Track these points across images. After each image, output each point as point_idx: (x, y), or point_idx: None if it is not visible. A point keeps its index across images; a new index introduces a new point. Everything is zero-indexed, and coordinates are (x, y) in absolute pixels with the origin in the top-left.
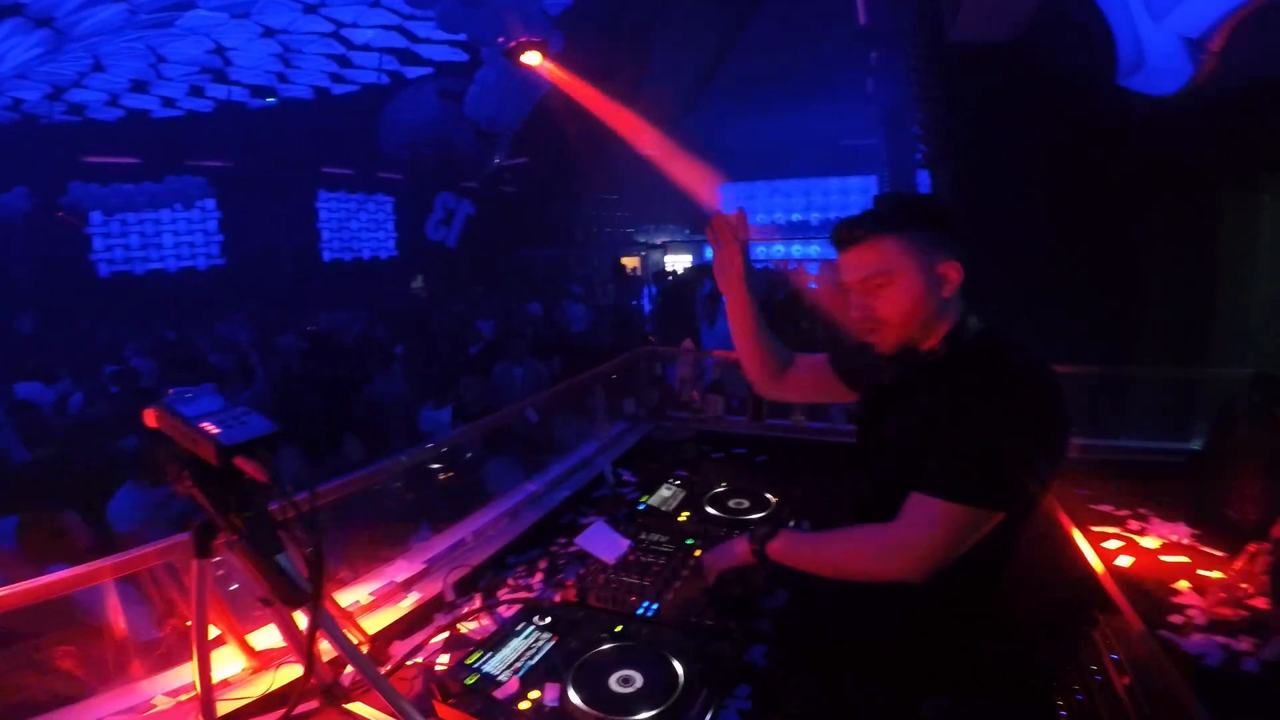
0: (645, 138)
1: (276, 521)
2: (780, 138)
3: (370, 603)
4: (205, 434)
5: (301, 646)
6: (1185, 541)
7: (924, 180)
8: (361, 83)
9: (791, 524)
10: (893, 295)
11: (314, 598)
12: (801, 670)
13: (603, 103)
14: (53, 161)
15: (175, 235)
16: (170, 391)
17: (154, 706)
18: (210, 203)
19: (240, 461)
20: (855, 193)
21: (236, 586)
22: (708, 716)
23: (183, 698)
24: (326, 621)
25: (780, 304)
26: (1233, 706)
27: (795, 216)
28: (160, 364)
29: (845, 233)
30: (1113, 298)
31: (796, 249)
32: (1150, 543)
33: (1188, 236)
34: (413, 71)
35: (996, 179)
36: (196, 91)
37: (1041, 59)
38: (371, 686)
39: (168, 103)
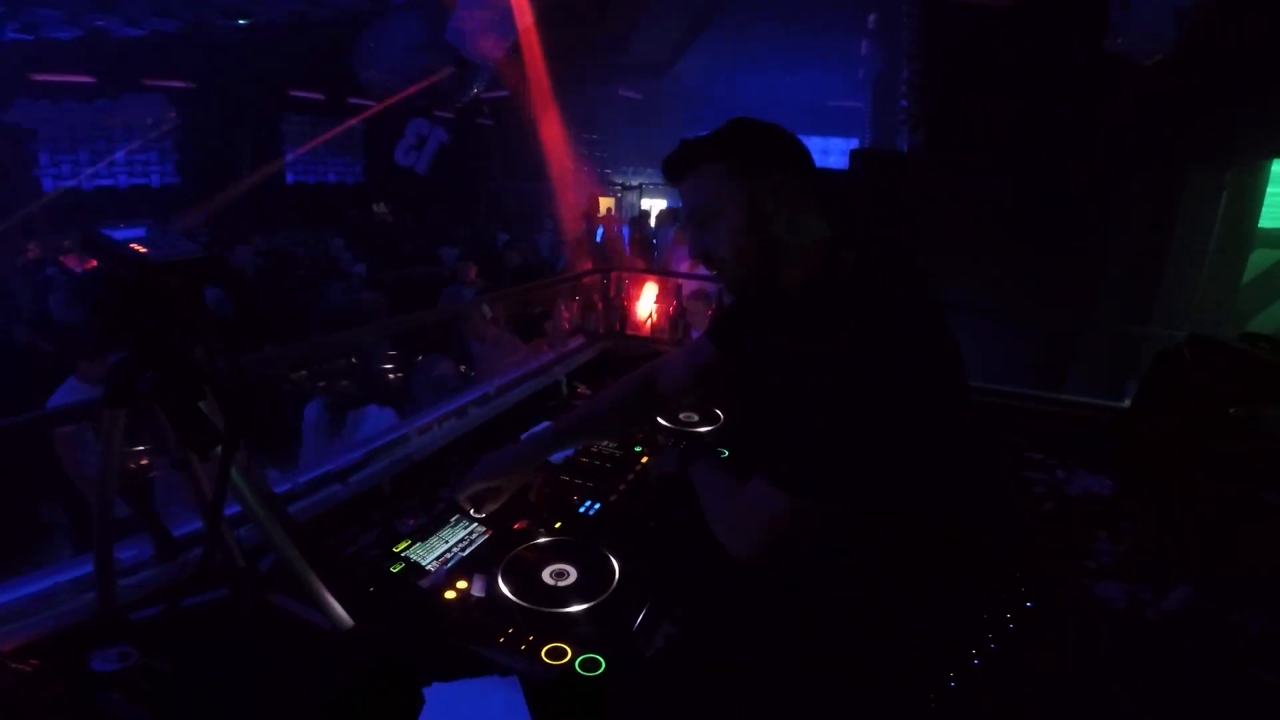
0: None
1: (204, 366)
2: (768, 95)
3: (301, 493)
4: (132, 254)
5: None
6: (1107, 494)
7: (904, 141)
8: (340, 6)
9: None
10: (721, 230)
11: (227, 438)
12: (731, 586)
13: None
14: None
15: (129, 153)
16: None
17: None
18: (169, 121)
19: (166, 282)
20: (836, 153)
21: (157, 474)
22: (641, 614)
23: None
24: (243, 486)
25: None
26: (1135, 651)
27: None
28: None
29: (667, 166)
30: (1071, 258)
31: None
32: (1074, 492)
33: (1151, 205)
34: None
35: (975, 136)
36: (163, 10)
37: (1038, 19)
38: (290, 576)
39: (131, 21)
